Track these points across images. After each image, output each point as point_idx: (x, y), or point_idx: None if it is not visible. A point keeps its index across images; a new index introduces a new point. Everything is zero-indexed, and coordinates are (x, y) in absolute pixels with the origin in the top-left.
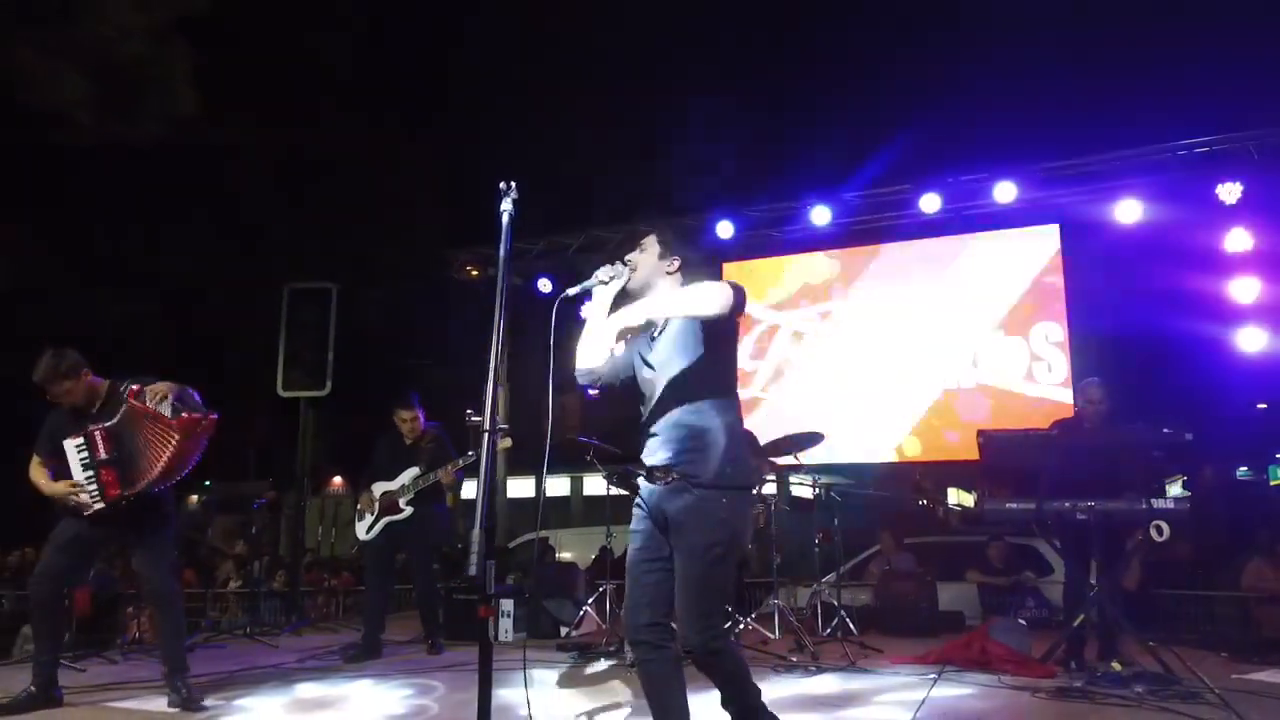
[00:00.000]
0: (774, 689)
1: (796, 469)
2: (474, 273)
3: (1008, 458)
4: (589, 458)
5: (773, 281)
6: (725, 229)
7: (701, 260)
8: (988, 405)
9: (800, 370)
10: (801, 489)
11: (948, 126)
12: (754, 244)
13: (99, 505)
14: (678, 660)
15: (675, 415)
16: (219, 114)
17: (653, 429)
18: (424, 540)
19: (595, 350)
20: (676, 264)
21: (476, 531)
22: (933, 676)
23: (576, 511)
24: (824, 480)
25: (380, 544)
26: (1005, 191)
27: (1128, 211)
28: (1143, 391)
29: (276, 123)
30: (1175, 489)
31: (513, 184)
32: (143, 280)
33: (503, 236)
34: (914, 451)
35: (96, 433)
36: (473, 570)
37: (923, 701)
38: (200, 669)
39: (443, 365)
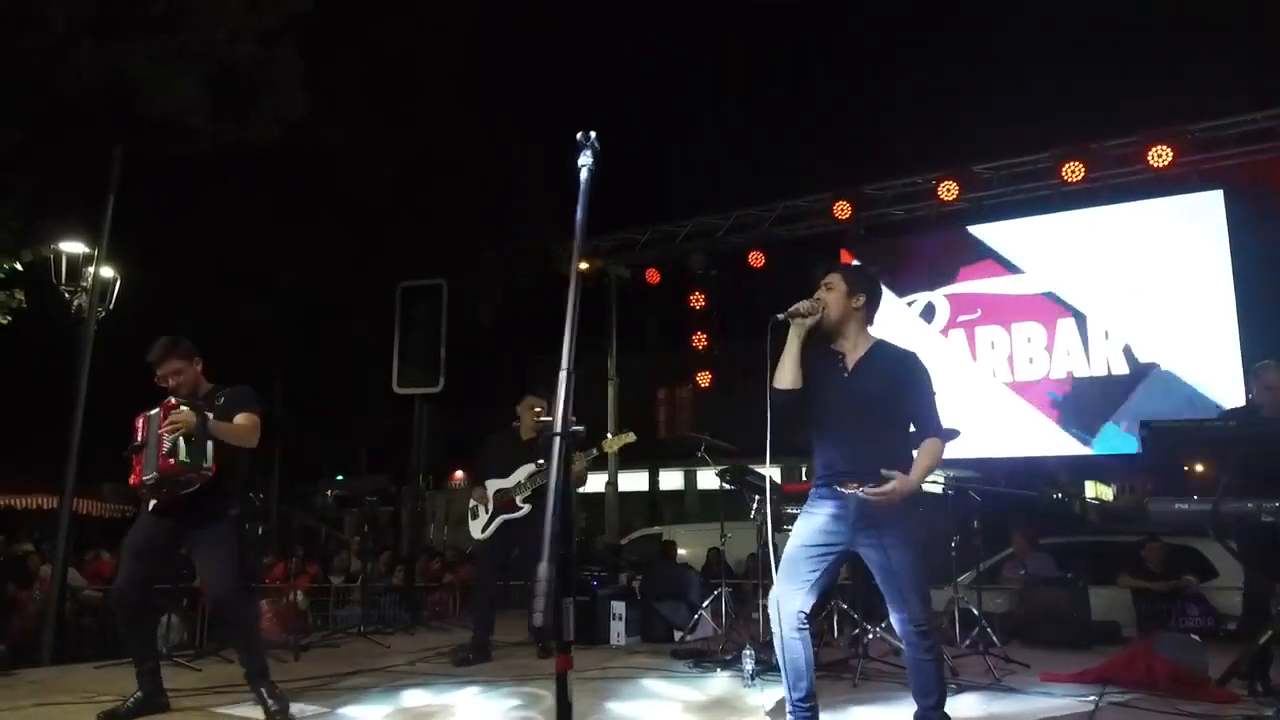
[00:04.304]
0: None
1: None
2: (585, 266)
3: (1179, 452)
4: (700, 454)
5: (896, 263)
6: (843, 209)
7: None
8: (1144, 390)
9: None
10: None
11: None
12: (874, 225)
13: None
14: None
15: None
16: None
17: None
18: (540, 539)
19: (791, 373)
20: (862, 300)
21: (544, 566)
22: (1093, 699)
23: (691, 507)
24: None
25: (496, 543)
26: (1160, 156)
27: None
28: None
29: (388, 123)
30: None
31: (593, 134)
32: (266, 282)
33: (580, 197)
34: (1053, 446)
35: (138, 420)
36: (538, 619)
37: None
38: (310, 670)
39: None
